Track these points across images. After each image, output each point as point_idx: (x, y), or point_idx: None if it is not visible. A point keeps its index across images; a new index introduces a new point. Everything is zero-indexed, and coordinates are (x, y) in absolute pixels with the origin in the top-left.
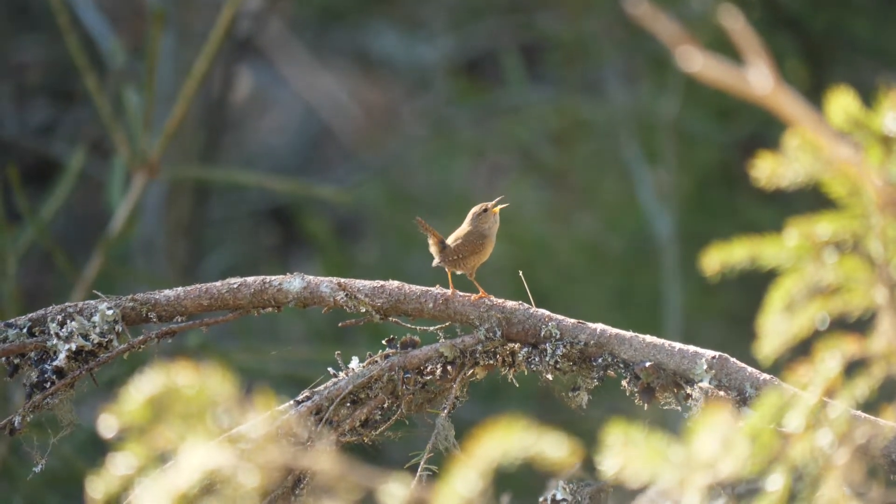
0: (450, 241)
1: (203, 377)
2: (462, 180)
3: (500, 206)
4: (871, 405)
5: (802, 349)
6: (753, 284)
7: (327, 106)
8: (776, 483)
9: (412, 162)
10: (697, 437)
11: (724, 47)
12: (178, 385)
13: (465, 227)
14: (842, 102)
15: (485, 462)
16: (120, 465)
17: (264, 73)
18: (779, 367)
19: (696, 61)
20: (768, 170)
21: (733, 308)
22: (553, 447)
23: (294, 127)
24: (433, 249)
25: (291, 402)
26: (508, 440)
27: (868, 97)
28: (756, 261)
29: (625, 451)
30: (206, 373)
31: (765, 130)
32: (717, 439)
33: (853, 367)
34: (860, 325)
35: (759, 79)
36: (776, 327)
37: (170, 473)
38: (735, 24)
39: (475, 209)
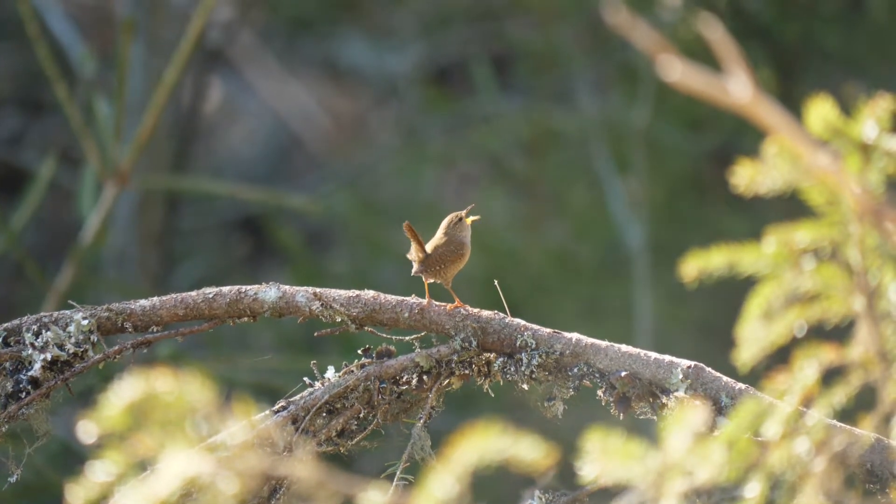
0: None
1: (182, 384)
2: (431, 190)
3: (472, 218)
4: (849, 413)
5: (780, 357)
6: (725, 294)
7: (296, 115)
8: (753, 490)
9: (381, 171)
10: (670, 437)
11: (694, 56)
12: (158, 392)
13: (440, 237)
14: (821, 110)
15: (462, 466)
16: (99, 472)
17: (233, 83)
18: (756, 375)
19: (676, 70)
20: (747, 177)
21: (704, 317)
22: (529, 450)
23: (263, 136)
24: (414, 257)
25: (267, 411)
26: (485, 444)
27: (838, 106)
28: (734, 268)
29: (603, 458)
30: (185, 380)
31: (735, 140)
32: (690, 440)
33: (831, 375)
34: (838, 332)
35: (737, 87)
36: (754, 335)
37: (149, 481)
38: (713, 32)
39: (450, 218)
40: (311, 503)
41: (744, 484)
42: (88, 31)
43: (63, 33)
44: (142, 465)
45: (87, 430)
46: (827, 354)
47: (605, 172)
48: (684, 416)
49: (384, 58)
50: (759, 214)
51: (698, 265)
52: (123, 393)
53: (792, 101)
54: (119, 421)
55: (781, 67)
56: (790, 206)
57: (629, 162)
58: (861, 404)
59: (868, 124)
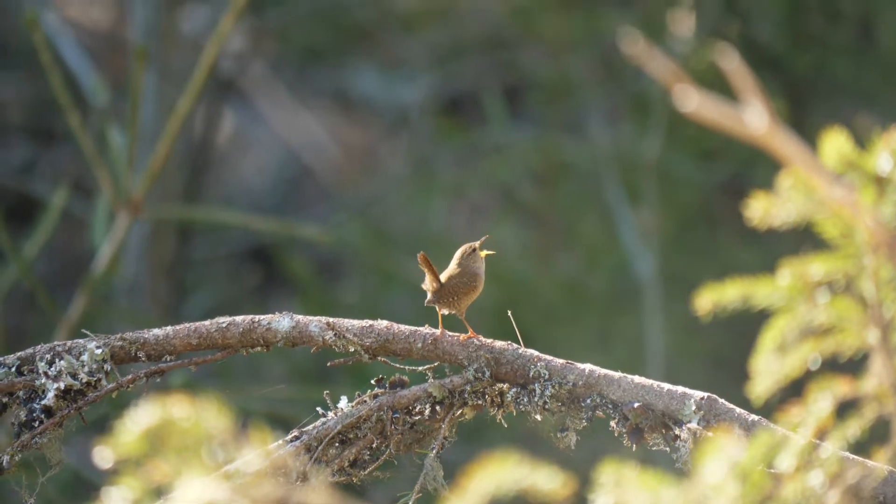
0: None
1: (198, 411)
2: (442, 220)
3: (486, 252)
4: (863, 446)
5: (794, 390)
6: (736, 326)
7: (307, 146)
8: None
9: (392, 201)
10: (703, 466)
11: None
12: (174, 418)
13: (454, 268)
14: (835, 143)
15: (479, 496)
16: (116, 498)
17: (244, 113)
18: (770, 408)
19: (692, 100)
20: (761, 209)
21: (716, 349)
22: (546, 480)
23: (273, 167)
24: (429, 287)
25: (280, 441)
26: (502, 473)
27: (850, 137)
28: (748, 301)
29: (617, 490)
30: (202, 407)
31: (747, 171)
32: (724, 468)
33: (845, 408)
34: (852, 365)
35: (754, 118)
36: (768, 367)
37: None
38: (729, 62)
39: (463, 249)
40: None
41: None
42: (99, 60)
43: (75, 62)
44: (158, 492)
45: (103, 456)
46: (841, 387)
47: (617, 203)
48: (717, 446)
49: (395, 88)
50: (770, 246)
51: (713, 298)
52: (140, 419)
53: (804, 131)
54: (135, 447)
55: (793, 98)
56: (802, 239)
57: (640, 193)
58: (875, 437)
59: (883, 157)
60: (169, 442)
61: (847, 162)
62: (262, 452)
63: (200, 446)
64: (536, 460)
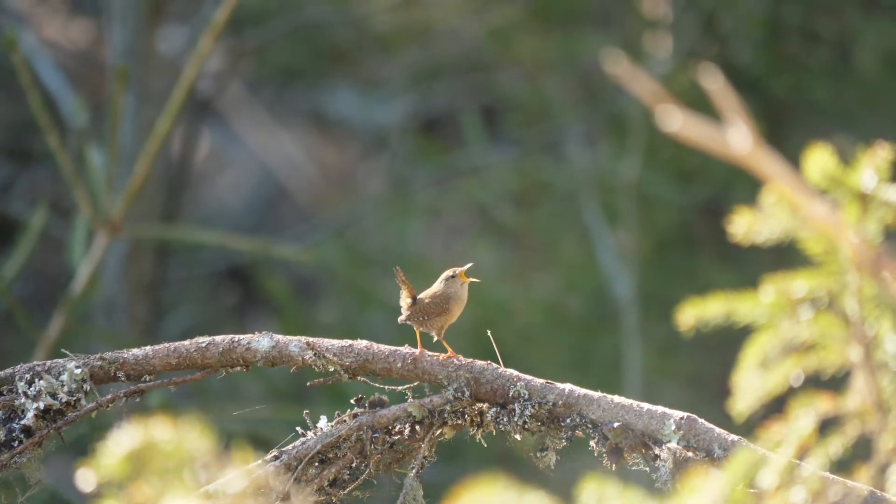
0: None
1: (180, 433)
2: (420, 241)
3: (470, 280)
4: (845, 463)
5: (776, 406)
6: (714, 346)
7: (284, 166)
8: None
9: (369, 222)
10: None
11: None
12: (156, 440)
13: (435, 288)
14: (819, 160)
15: None
16: None
17: (221, 133)
18: (752, 425)
19: (675, 120)
20: (745, 226)
21: (694, 370)
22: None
23: (250, 186)
24: (403, 303)
25: (260, 461)
26: (489, 496)
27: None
28: (730, 317)
29: None
30: (184, 428)
31: (725, 193)
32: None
33: (827, 425)
34: (835, 382)
35: (737, 138)
36: (750, 384)
37: None
38: (713, 83)
39: (446, 273)
40: None
41: None
42: (77, 80)
43: (53, 82)
44: None
45: (85, 478)
46: (823, 404)
47: (595, 224)
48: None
49: (372, 109)
50: (748, 267)
51: (695, 314)
52: (122, 441)
53: (782, 152)
54: (118, 469)
55: (771, 119)
56: (780, 259)
57: (619, 214)
58: (857, 454)
59: (866, 174)
60: (151, 464)
61: (831, 179)
62: (243, 472)
63: (183, 468)
64: (522, 482)
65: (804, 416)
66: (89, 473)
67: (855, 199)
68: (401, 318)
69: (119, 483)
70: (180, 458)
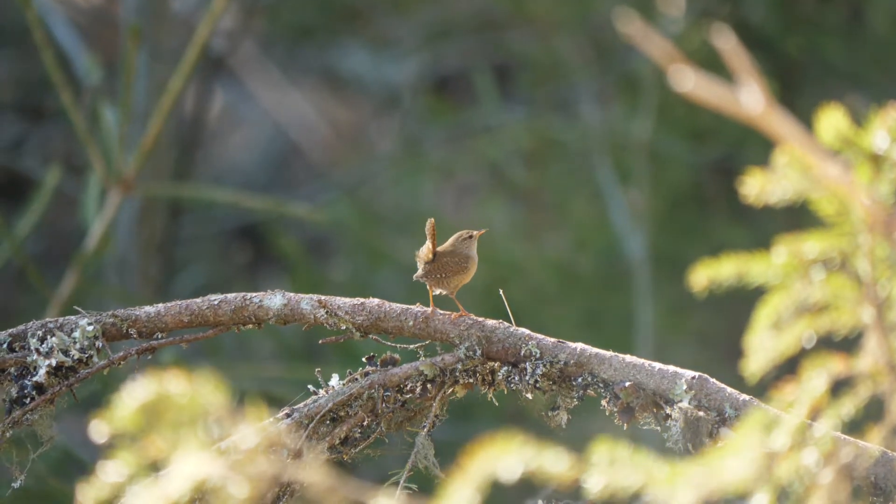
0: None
1: (194, 386)
2: (431, 199)
3: (481, 231)
4: (857, 424)
5: (789, 367)
6: (725, 305)
7: (296, 124)
8: (762, 501)
9: (381, 180)
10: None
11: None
12: (170, 393)
13: (448, 248)
14: (832, 120)
15: (482, 477)
16: (111, 472)
17: (233, 91)
18: (764, 386)
19: (688, 80)
20: (757, 187)
21: (705, 329)
22: (554, 461)
23: (262, 145)
24: (423, 256)
25: (272, 419)
26: (506, 454)
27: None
28: (743, 278)
29: (610, 469)
30: (198, 382)
31: (737, 152)
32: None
33: (839, 387)
34: (847, 343)
35: (749, 98)
36: (763, 345)
37: (160, 482)
38: (725, 43)
39: (461, 234)
40: None
41: (752, 495)
42: (90, 38)
43: (66, 39)
44: (153, 467)
45: (98, 430)
46: (835, 365)
47: (607, 183)
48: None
49: (384, 67)
50: (760, 226)
51: (708, 275)
52: (136, 394)
53: (795, 113)
54: (131, 422)
55: (784, 80)
56: (792, 218)
57: (631, 173)
58: (869, 415)
59: (879, 135)
60: (164, 417)
61: (843, 139)
62: (255, 429)
63: (196, 421)
64: (539, 440)
65: (816, 378)
66: (103, 425)
67: (867, 160)
68: (417, 275)
69: (132, 436)
70: (193, 411)
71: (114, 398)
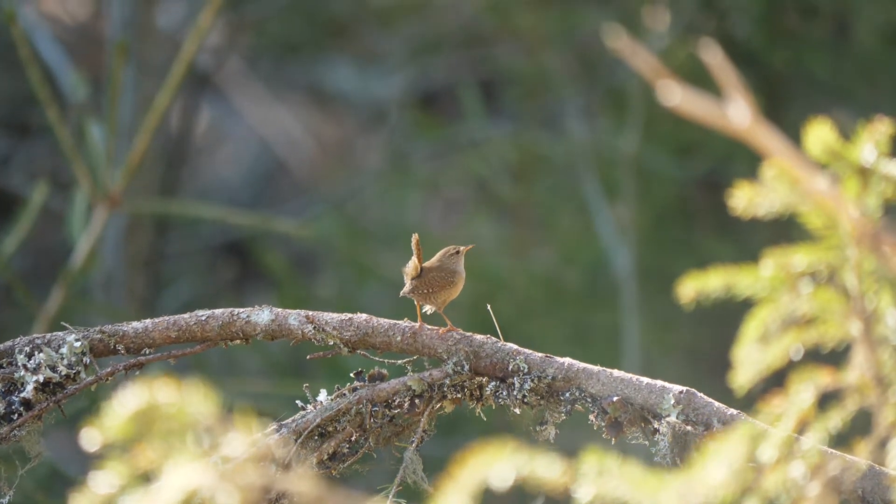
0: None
1: (184, 396)
2: (418, 214)
3: (467, 247)
4: (845, 438)
5: (776, 380)
6: (712, 320)
7: (282, 140)
8: None
9: (367, 196)
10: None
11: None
12: (160, 403)
13: (434, 263)
14: (819, 133)
15: (474, 484)
16: (102, 484)
17: (219, 107)
18: (752, 398)
19: (675, 95)
20: (745, 199)
21: (693, 344)
22: (546, 468)
23: (248, 160)
24: (409, 273)
25: (260, 434)
26: (498, 461)
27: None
28: (730, 290)
29: (599, 480)
30: (187, 391)
31: (723, 166)
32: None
33: (827, 400)
34: (834, 356)
35: (736, 112)
36: (750, 357)
37: (151, 494)
38: (712, 57)
39: (448, 249)
40: None
41: None
42: (76, 54)
43: (51, 56)
44: (144, 478)
45: (90, 439)
46: (823, 378)
47: (593, 198)
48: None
49: (371, 83)
50: (746, 240)
51: (695, 287)
52: (127, 402)
53: (780, 127)
54: (122, 430)
55: (769, 94)
56: (778, 233)
57: (617, 188)
58: (857, 429)
59: (867, 148)
60: (155, 427)
61: (831, 152)
62: (245, 439)
63: (186, 431)
64: (531, 449)
65: (804, 390)
66: (94, 433)
67: (855, 174)
68: (403, 291)
69: (123, 445)
70: (183, 421)
71: (105, 407)
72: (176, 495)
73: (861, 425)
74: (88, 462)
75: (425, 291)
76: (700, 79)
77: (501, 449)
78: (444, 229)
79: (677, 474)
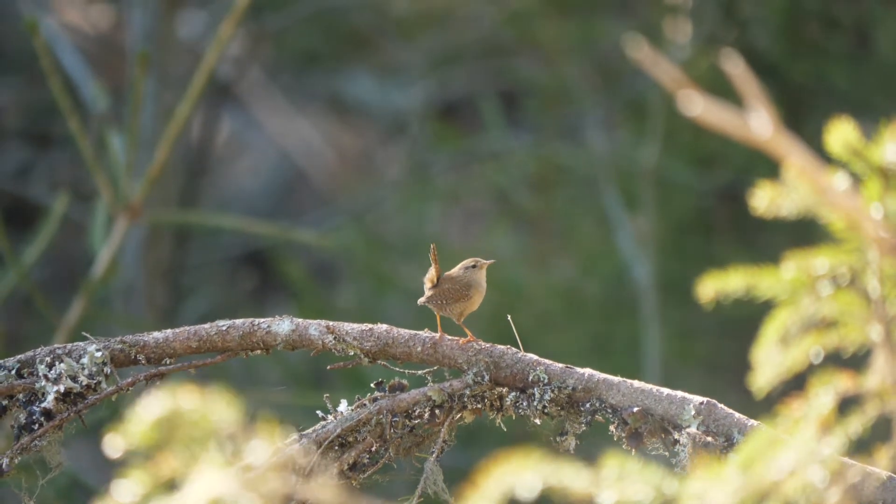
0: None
1: (207, 403)
2: (438, 225)
3: (488, 262)
4: (865, 443)
5: (796, 384)
6: (732, 331)
7: (302, 150)
8: None
9: (387, 207)
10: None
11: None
12: (183, 409)
13: (452, 274)
14: (842, 132)
15: (499, 493)
16: (125, 492)
17: (239, 117)
18: (771, 401)
19: (696, 105)
20: (767, 199)
21: (712, 354)
22: (573, 477)
23: (268, 171)
24: (428, 282)
25: (280, 445)
26: (524, 470)
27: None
28: (751, 292)
29: (620, 486)
30: (211, 398)
31: (744, 178)
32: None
33: (847, 404)
34: (855, 361)
35: (758, 123)
36: (770, 359)
37: (174, 501)
38: (734, 68)
39: (467, 261)
40: None
41: None
42: (97, 64)
43: (73, 66)
44: (166, 486)
45: (113, 445)
46: (843, 382)
47: (613, 209)
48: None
49: (391, 94)
50: (766, 252)
51: (715, 287)
52: (151, 409)
53: (801, 138)
54: (146, 437)
55: (790, 106)
56: (798, 243)
57: (637, 199)
58: (877, 435)
59: (889, 148)
60: (177, 434)
61: (853, 151)
62: (268, 449)
63: (209, 439)
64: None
65: (824, 394)
66: (117, 440)
67: (877, 175)
68: (421, 300)
69: (145, 453)
70: (206, 428)
71: (128, 414)
72: (199, 503)
73: (882, 431)
74: (109, 472)
75: (440, 302)
76: (721, 90)
77: (527, 458)
78: (463, 240)
79: (697, 479)
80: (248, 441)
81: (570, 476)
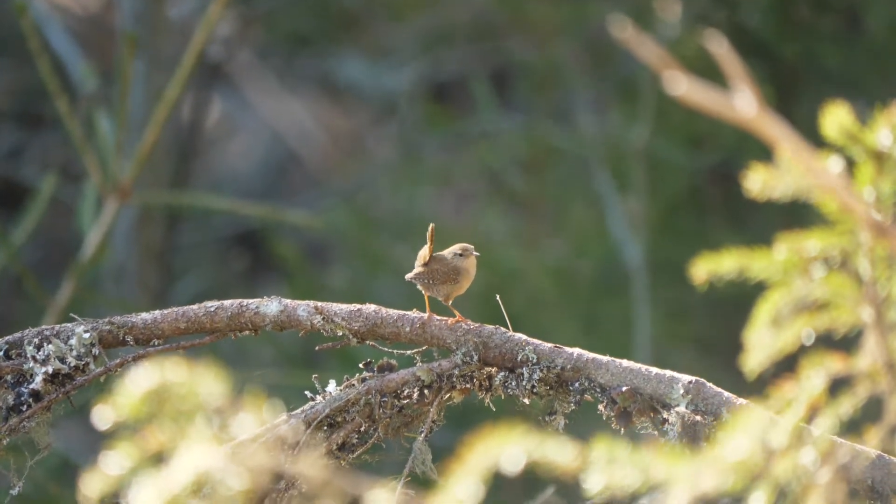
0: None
1: (195, 376)
2: (429, 207)
3: (474, 254)
4: (855, 424)
5: (787, 365)
6: (723, 311)
7: (293, 132)
8: (759, 500)
9: (379, 188)
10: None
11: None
12: (171, 383)
13: (445, 255)
14: (837, 115)
15: (484, 467)
16: (113, 465)
17: (230, 99)
18: (763, 383)
19: (681, 85)
20: (760, 181)
21: (703, 335)
22: (558, 452)
23: (260, 153)
24: (420, 259)
25: (269, 425)
26: (507, 445)
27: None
28: (743, 273)
29: (609, 468)
30: (198, 372)
31: (735, 158)
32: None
33: (838, 385)
34: (846, 342)
35: (743, 103)
36: (762, 341)
37: (162, 475)
38: (719, 48)
39: (457, 246)
40: (318, 502)
41: (749, 493)
42: (87, 45)
43: (62, 48)
44: (155, 459)
45: (102, 416)
46: (834, 364)
47: (605, 190)
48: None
49: (382, 75)
50: (758, 232)
51: (708, 269)
52: (140, 381)
53: (791, 119)
54: (135, 409)
55: (780, 86)
56: (790, 224)
57: (628, 179)
58: (868, 415)
59: (883, 133)
60: (165, 407)
61: (847, 134)
62: (256, 423)
63: (196, 412)
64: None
65: (815, 376)
66: (106, 411)
67: (870, 158)
68: (408, 275)
69: (133, 426)
70: (194, 402)
71: (120, 385)
72: (186, 477)
73: (872, 412)
74: (98, 452)
75: (426, 281)
76: (711, 69)
77: (511, 433)
78: (455, 221)
79: (688, 459)
80: (236, 415)
81: (554, 450)
